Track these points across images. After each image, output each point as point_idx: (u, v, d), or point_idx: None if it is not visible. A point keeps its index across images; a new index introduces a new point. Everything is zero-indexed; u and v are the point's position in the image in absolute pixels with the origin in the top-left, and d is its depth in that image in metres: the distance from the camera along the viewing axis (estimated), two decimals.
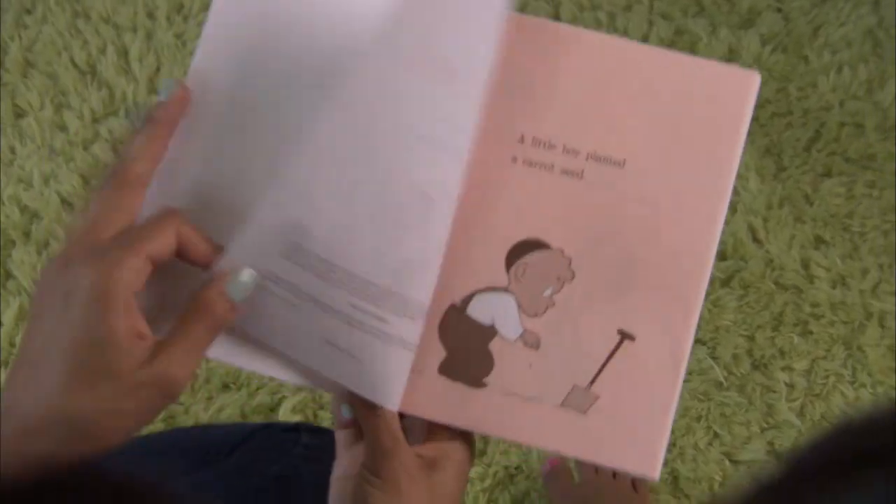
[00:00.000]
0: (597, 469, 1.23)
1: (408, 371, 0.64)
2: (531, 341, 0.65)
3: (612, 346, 0.65)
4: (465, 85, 0.63)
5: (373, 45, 0.62)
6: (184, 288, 0.60)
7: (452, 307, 0.65)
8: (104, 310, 0.53)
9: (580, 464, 1.29)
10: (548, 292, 0.65)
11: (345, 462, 0.68)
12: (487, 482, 1.34)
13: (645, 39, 1.59)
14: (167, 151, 0.62)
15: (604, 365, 0.65)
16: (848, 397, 1.40)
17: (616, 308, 0.65)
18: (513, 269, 0.65)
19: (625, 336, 0.65)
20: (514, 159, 0.66)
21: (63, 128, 1.58)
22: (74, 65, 1.62)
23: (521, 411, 0.65)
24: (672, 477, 1.36)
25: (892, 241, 1.48)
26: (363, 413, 0.64)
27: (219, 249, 0.60)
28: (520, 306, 0.65)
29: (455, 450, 0.66)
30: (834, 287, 1.45)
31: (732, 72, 0.66)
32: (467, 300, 0.65)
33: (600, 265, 0.65)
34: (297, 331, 0.62)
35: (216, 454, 0.89)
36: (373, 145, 0.62)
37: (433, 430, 0.66)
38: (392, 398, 0.64)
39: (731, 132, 0.65)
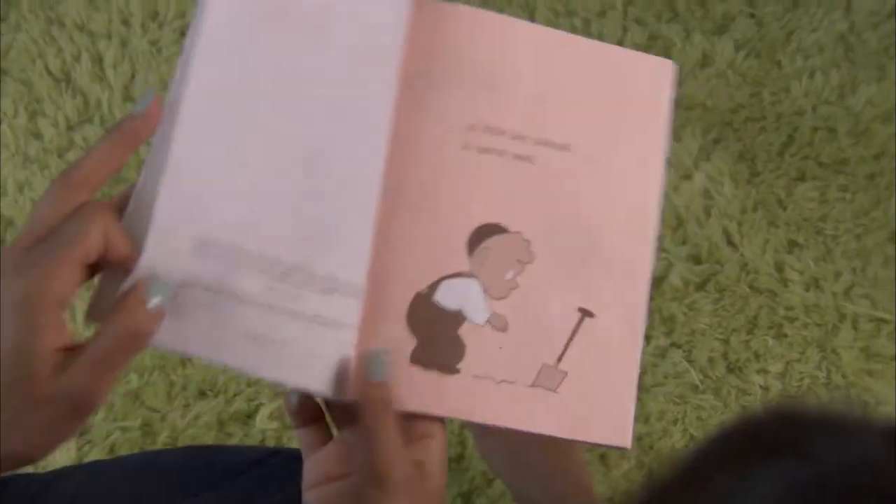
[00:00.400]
0: None
1: (338, 351, 0.62)
2: (499, 324, 0.66)
3: (574, 324, 0.67)
4: (348, 48, 0.63)
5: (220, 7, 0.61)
6: None
7: (419, 295, 0.66)
8: (27, 323, 0.52)
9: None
10: (510, 275, 0.67)
11: (316, 467, 0.66)
12: (465, 486, 1.34)
13: (619, 44, 1.60)
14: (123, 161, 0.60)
15: (568, 342, 0.67)
16: (823, 399, 1.41)
17: (575, 286, 0.67)
18: (475, 254, 0.67)
19: (585, 313, 0.67)
20: (466, 146, 0.67)
21: (38, 135, 1.57)
22: (49, 72, 1.61)
23: (494, 394, 0.66)
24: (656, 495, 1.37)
25: (864, 245, 1.49)
26: (369, 418, 0.63)
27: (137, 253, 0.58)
28: (485, 290, 0.67)
29: (436, 448, 0.65)
30: (807, 290, 1.46)
31: (650, 61, 0.72)
32: (433, 287, 0.66)
33: (557, 246, 0.68)
34: (219, 331, 0.59)
35: (223, 478, 0.89)
36: (250, 115, 0.61)
37: (410, 425, 0.65)
38: (320, 381, 0.62)
39: (656, 117, 0.71)
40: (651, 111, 0.71)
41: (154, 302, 0.56)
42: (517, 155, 0.68)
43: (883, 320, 1.45)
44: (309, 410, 0.67)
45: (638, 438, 1.38)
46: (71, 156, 1.55)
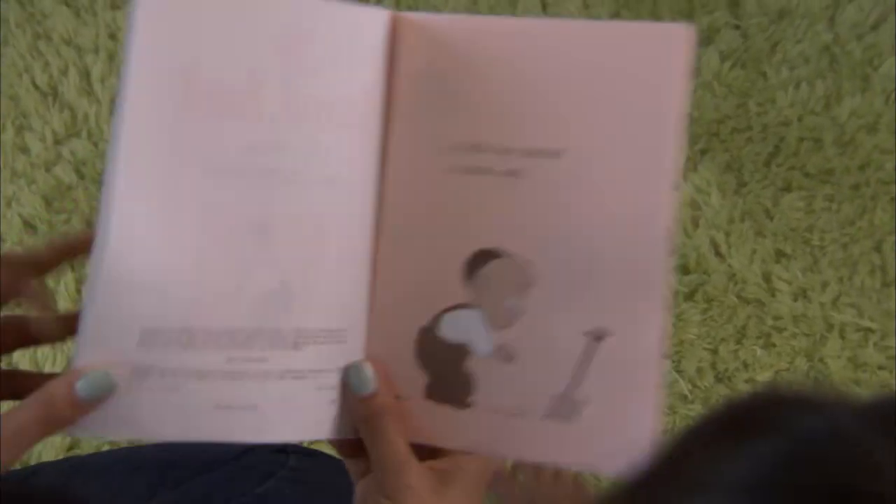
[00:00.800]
0: (538, 467, 1.22)
1: (321, 396, 0.62)
2: (504, 355, 0.62)
3: (587, 348, 0.61)
4: (263, 107, 0.60)
5: (139, 87, 0.59)
6: None
7: (423, 330, 0.63)
8: None
9: (520, 465, 1.28)
10: (511, 301, 0.62)
11: (360, 494, 0.66)
12: None
13: None
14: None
15: (582, 368, 0.61)
16: (793, 385, 1.41)
17: (584, 306, 0.61)
18: (472, 282, 0.63)
19: (599, 335, 0.61)
20: (452, 169, 0.63)
21: (25, 150, 1.57)
22: (36, 87, 1.61)
23: (509, 427, 0.62)
24: (637, 482, 1.37)
25: (850, 254, 1.50)
26: (367, 438, 0.63)
27: (66, 328, 0.58)
28: (487, 320, 0.63)
29: (469, 461, 0.65)
30: (795, 300, 1.47)
31: (660, 29, 0.60)
32: (436, 321, 0.63)
33: (559, 264, 0.61)
34: (185, 411, 0.59)
35: (206, 469, 0.88)
36: (185, 198, 0.59)
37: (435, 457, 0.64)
38: (309, 428, 0.62)
39: (669, 95, 0.60)
40: (660, 92, 0.60)
41: (83, 395, 0.55)
42: (505, 171, 0.62)
43: (870, 330, 1.45)
44: (349, 443, 0.65)
45: None
46: (58, 170, 1.55)
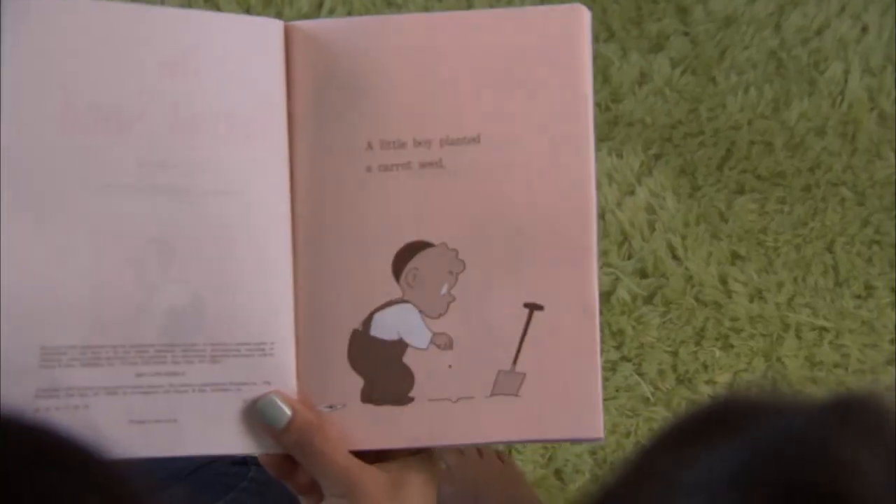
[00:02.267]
0: (461, 451, 1.21)
1: (238, 409, 0.61)
2: (443, 343, 0.64)
3: (523, 322, 0.63)
4: (152, 125, 0.60)
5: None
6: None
7: (355, 333, 0.63)
8: None
9: (443, 451, 1.27)
10: (444, 289, 0.64)
11: None
12: None
13: None
14: None
15: (521, 342, 0.63)
16: (751, 388, 1.43)
17: (516, 283, 0.63)
18: (402, 277, 0.64)
19: (533, 307, 0.63)
20: (369, 168, 0.63)
21: None
22: None
23: (454, 414, 0.63)
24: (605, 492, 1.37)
25: (804, 255, 1.52)
26: (305, 463, 0.62)
27: None
28: (421, 312, 0.64)
29: (418, 462, 0.65)
30: (751, 301, 1.48)
31: (558, 10, 0.64)
32: (368, 322, 0.64)
33: (488, 246, 0.63)
34: (99, 428, 0.58)
35: (161, 486, 0.87)
36: (67, 211, 0.58)
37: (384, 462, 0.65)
38: (229, 442, 0.62)
39: (575, 72, 0.63)
40: (567, 72, 0.63)
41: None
42: (423, 163, 0.63)
43: (824, 329, 1.48)
44: (282, 464, 0.65)
45: (592, 452, 1.38)
46: None
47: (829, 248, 1.53)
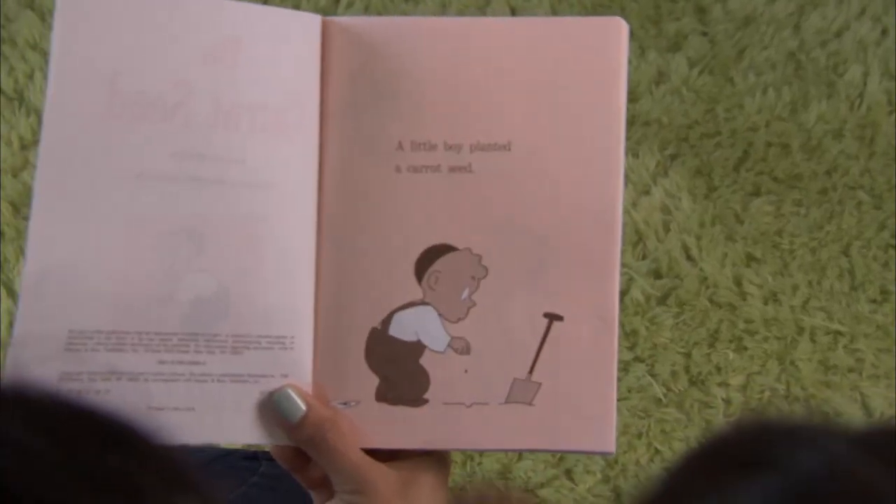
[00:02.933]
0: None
1: (255, 400, 0.62)
2: (460, 347, 0.64)
3: (542, 331, 0.63)
4: (191, 115, 0.61)
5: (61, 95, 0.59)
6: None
7: (374, 332, 0.64)
8: None
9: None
10: (465, 294, 0.64)
11: None
12: None
13: None
14: None
15: (538, 351, 0.63)
16: (783, 411, 1.43)
17: (537, 292, 0.63)
18: (424, 279, 0.64)
19: (552, 317, 0.63)
20: (398, 168, 0.63)
21: None
22: (1, 91, 1.58)
23: (467, 418, 0.63)
24: (615, 494, 1.37)
25: (819, 258, 1.52)
26: (318, 458, 0.62)
27: None
28: (441, 315, 0.64)
29: (429, 462, 0.65)
30: (766, 303, 1.48)
31: (597, 23, 0.64)
32: (387, 322, 0.64)
33: (511, 254, 0.63)
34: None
35: None
36: (103, 197, 0.59)
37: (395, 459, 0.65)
38: (244, 433, 0.62)
39: (610, 86, 0.63)
40: (603, 86, 0.63)
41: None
42: (453, 167, 0.63)
43: (839, 332, 1.47)
44: (295, 456, 0.65)
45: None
46: (25, 175, 1.52)
47: (845, 252, 1.52)
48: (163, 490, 0.35)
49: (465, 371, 0.64)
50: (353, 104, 0.63)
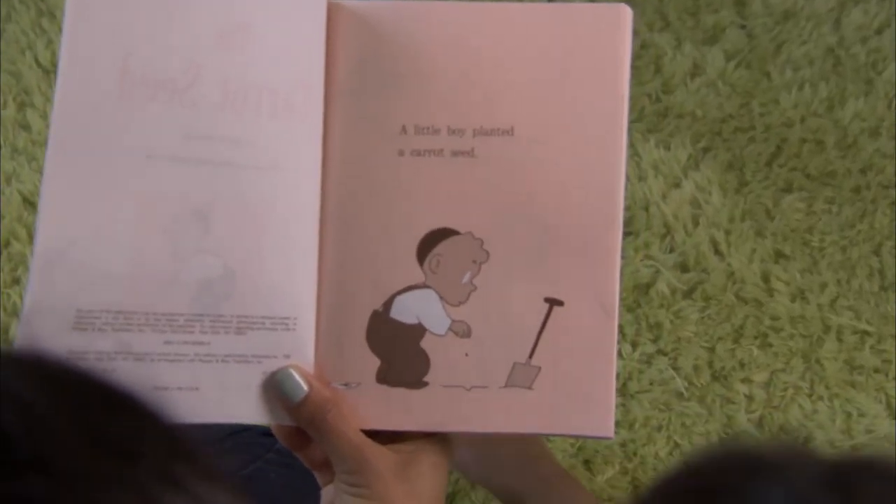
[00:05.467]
0: None
1: (258, 380, 0.63)
2: (461, 331, 0.64)
3: (542, 316, 0.64)
4: (201, 97, 0.61)
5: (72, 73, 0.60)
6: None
7: (375, 314, 0.64)
8: None
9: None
10: (466, 278, 0.64)
11: (324, 499, 0.67)
12: (449, 489, 1.34)
13: None
14: None
15: (539, 336, 0.64)
16: (806, 409, 1.42)
17: (538, 277, 0.64)
18: (426, 262, 0.64)
19: (553, 302, 0.64)
20: (401, 152, 0.64)
21: (26, 126, 1.56)
22: (38, 63, 1.60)
23: (467, 401, 0.64)
24: (633, 486, 1.37)
25: (849, 257, 1.50)
26: (318, 438, 0.63)
27: None
28: (442, 298, 0.64)
29: (429, 444, 0.65)
30: (793, 301, 1.47)
31: (602, 9, 0.64)
32: (388, 304, 0.64)
33: (513, 239, 0.64)
34: None
35: None
36: (112, 177, 0.60)
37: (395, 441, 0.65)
38: (247, 412, 0.63)
39: (613, 72, 0.64)
40: (606, 72, 0.64)
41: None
42: (456, 151, 0.63)
43: (867, 332, 1.46)
44: (295, 434, 0.66)
45: (622, 445, 1.38)
46: None
47: (876, 252, 1.51)
48: (162, 456, 0.36)
49: (466, 354, 0.64)
50: (358, 88, 0.64)
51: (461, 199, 0.64)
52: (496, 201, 0.64)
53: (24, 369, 0.36)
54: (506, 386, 0.64)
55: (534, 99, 0.64)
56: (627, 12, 0.63)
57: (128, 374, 0.59)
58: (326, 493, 0.67)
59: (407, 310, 0.64)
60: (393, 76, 0.64)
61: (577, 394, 0.64)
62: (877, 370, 1.44)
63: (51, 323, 0.58)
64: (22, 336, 0.57)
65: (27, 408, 0.33)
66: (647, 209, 1.49)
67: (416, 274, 0.64)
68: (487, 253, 0.64)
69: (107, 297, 0.59)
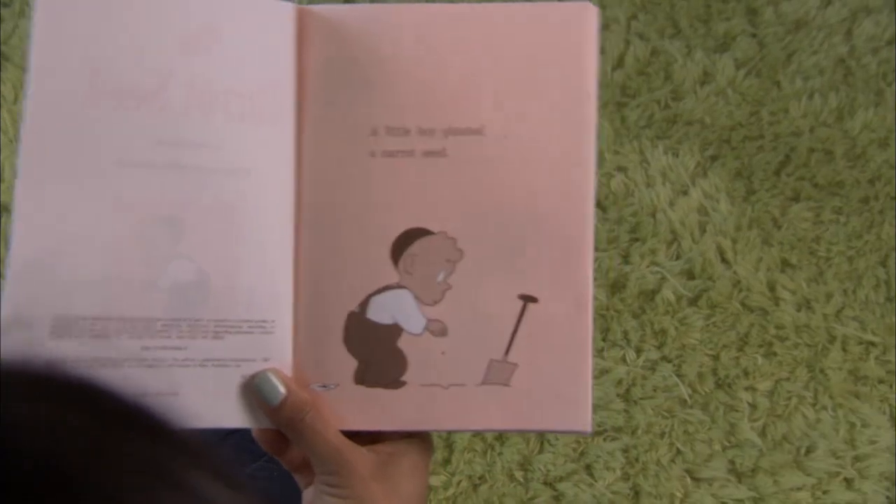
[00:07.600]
0: None
1: (237, 384, 0.63)
2: (437, 329, 0.65)
3: (517, 313, 0.64)
4: (169, 102, 0.62)
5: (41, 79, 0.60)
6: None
7: (351, 315, 0.65)
8: None
9: None
10: (441, 277, 0.65)
11: (305, 500, 0.67)
12: (451, 491, 1.34)
13: (621, 58, 1.61)
14: None
15: (514, 333, 0.64)
16: (809, 419, 1.42)
17: (512, 275, 0.64)
18: (400, 262, 0.65)
19: (527, 299, 0.64)
20: (373, 153, 0.64)
21: None
22: None
23: (445, 400, 0.65)
24: (634, 492, 1.37)
25: (856, 267, 1.50)
26: (297, 440, 0.63)
27: None
28: (417, 298, 0.65)
29: (409, 444, 0.66)
30: (799, 310, 1.47)
31: (567, 8, 0.65)
32: (364, 305, 0.65)
33: (486, 237, 0.64)
34: None
35: None
36: (85, 184, 0.60)
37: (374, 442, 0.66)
38: (227, 417, 0.63)
39: (581, 70, 0.64)
40: (572, 70, 0.64)
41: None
42: (427, 151, 0.64)
43: (872, 343, 1.46)
44: (275, 439, 0.67)
45: (624, 450, 1.38)
46: None
47: (883, 263, 1.51)
48: (179, 462, 0.36)
49: (442, 353, 0.65)
50: (329, 91, 0.64)
51: (434, 199, 0.65)
52: (468, 200, 0.65)
53: (16, 379, 0.35)
54: (483, 383, 0.65)
55: (502, 98, 0.64)
56: (593, 10, 0.64)
57: (107, 380, 0.60)
58: (307, 494, 0.67)
59: (383, 310, 0.65)
60: (362, 79, 0.65)
61: (553, 389, 0.65)
62: (881, 381, 1.44)
63: (28, 332, 0.58)
64: (3, 346, 0.57)
65: (43, 424, 0.32)
66: (654, 216, 1.49)
67: (391, 274, 0.65)
68: (461, 252, 0.65)
69: (83, 304, 0.59)
